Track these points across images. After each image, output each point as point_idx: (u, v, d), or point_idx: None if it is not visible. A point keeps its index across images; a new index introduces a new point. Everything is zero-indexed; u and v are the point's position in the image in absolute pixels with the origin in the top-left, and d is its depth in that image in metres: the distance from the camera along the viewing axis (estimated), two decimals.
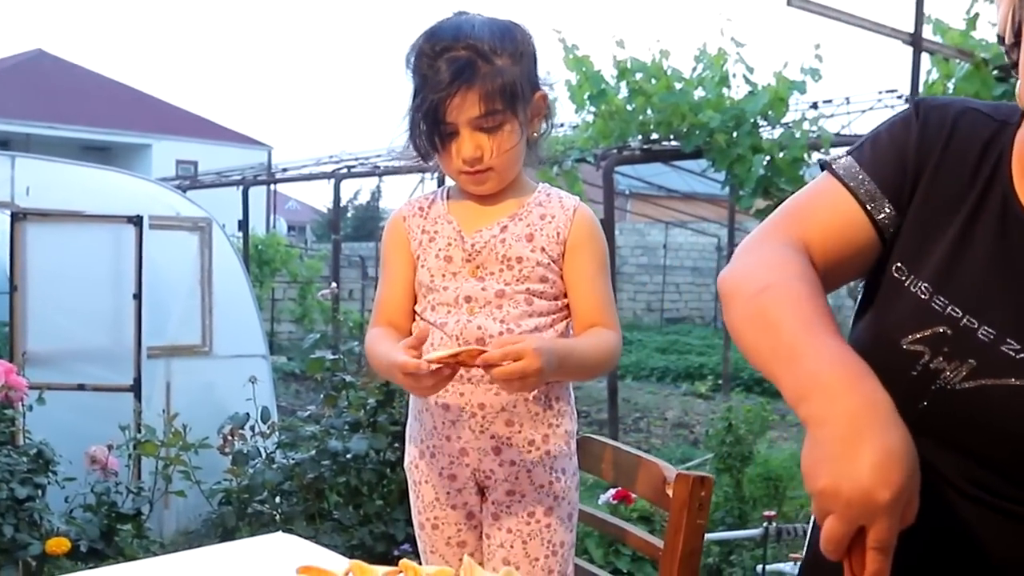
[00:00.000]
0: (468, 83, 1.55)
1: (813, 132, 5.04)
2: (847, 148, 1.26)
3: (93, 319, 4.84)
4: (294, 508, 3.59)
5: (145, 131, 22.86)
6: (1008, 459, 1.11)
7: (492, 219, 1.68)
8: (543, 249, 1.66)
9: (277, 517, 3.56)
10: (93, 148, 22.20)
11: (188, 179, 12.49)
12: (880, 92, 6.72)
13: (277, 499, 3.62)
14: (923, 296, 1.14)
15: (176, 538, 4.45)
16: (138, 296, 4.64)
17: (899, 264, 1.18)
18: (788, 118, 5.20)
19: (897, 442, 0.92)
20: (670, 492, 1.46)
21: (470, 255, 1.65)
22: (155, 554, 3.16)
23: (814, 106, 6.25)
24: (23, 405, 3.65)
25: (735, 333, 1.12)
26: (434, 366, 1.45)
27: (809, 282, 1.10)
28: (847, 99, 6.81)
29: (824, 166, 1.24)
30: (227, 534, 3.52)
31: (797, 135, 4.99)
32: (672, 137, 5.42)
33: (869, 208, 1.18)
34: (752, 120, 4.96)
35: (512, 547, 1.68)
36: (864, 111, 6.63)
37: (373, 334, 1.69)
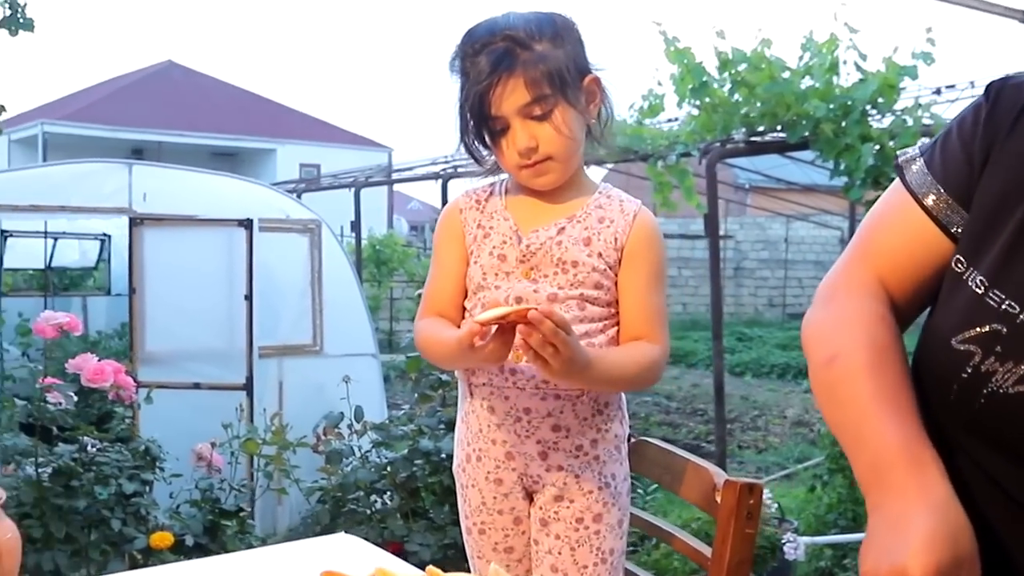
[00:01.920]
0: (509, 70, 1.52)
1: (927, 120, 4.82)
2: (920, 145, 1.18)
3: (207, 320, 4.95)
4: (388, 507, 3.63)
5: (270, 136, 23.51)
6: None
7: (550, 219, 1.63)
8: (600, 255, 1.61)
9: (371, 515, 3.60)
10: (221, 154, 22.95)
11: (304, 182, 12.81)
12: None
13: (372, 497, 3.66)
14: (978, 290, 1.04)
15: (288, 534, 4.54)
16: (249, 297, 4.73)
17: (959, 256, 1.08)
18: (901, 104, 5.00)
19: (943, 526, 0.93)
20: (719, 499, 1.41)
21: (524, 256, 1.61)
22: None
23: (937, 91, 5.99)
24: (134, 404, 3.79)
25: (814, 396, 1.14)
26: (492, 328, 1.43)
27: (876, 348, 1.08)
28: (972, 83, 6.50)
29: (897, 170, 1.17)
30: (324, 532, 3.57)
31: (909, 122, 4.78)
32: (780, 128, 5.27)
33: (943, 222, 1.11)
34: (861, 109, 4.79)
35: (560, 554, 1.65)
36: None
37: (425, 324, 1.66)
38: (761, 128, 5.37)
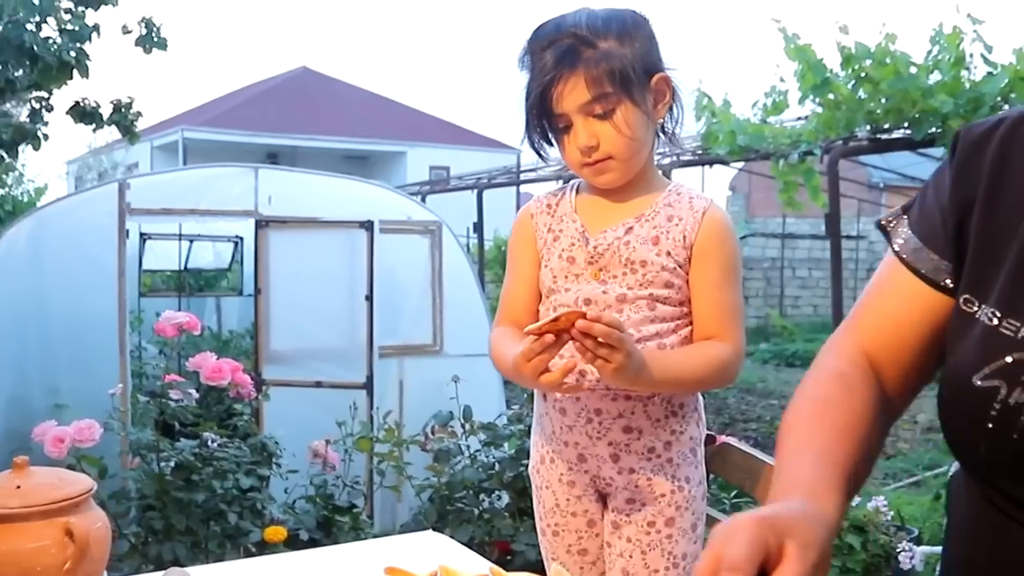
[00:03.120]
0: (571, 67, 1.52)
1: None
2: (903, 205, 1.17)
3: (330, 320, 5.04)
4: (496, 506, 3.65)
5: (400, 139, 23.88)
6: None
7: (618, 219, 1.62)
8: (668, 253, 1.58)
9: (479, 514, 3.62)
10: (352, 157, 23.45)
11: (430, 184, 13.02)
12: None
13: (480, 497, 3.68)
14: (991, 323, 1.01)
15: (400, 531, 4.60)
16: (370, 297, 4.81)
17: (966, 296, 1.05)
18: None
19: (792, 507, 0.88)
20: None
21: (592, 257, 1.61)
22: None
23: None
24: (255, 401, 3.91)
25: None
26: (549, 337, 1.41)
27: (817, 403, 1.09)
28: None
29: (882, 231, 1.16)
30: (432, 530, 3.61)
31: None
32: (906, 125, 5.09)
33: (940, 282, 1.09)
34: (991, 103, 4.58)
35: (631, 557, 1.63)
36: None
37: (496, 335, 1.67)
38: (886, 125, 5.20)
